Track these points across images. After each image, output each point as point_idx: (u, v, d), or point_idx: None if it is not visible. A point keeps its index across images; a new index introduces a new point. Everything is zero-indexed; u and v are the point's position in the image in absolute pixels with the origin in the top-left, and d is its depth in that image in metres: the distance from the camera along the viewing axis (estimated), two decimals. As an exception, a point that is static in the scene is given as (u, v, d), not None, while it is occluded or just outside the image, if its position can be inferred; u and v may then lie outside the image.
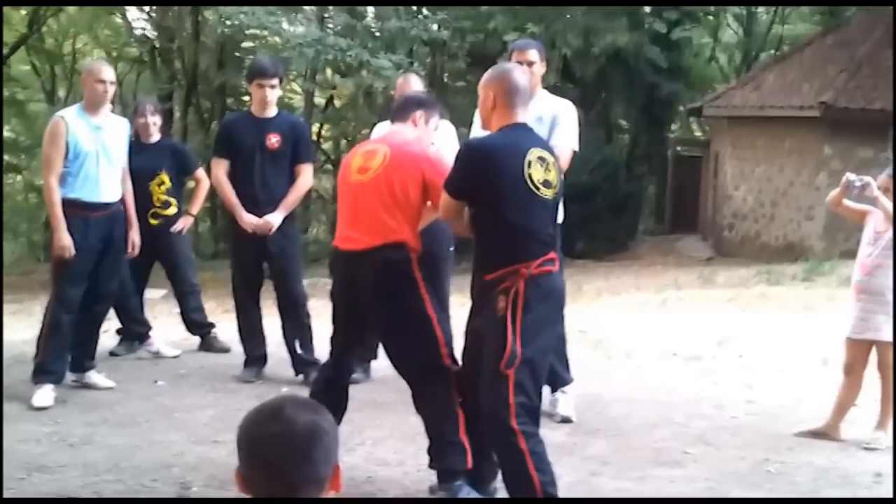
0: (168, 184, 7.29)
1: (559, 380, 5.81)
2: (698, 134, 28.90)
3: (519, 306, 3.91)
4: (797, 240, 17.29)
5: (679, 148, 24.96)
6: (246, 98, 22.05)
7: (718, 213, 20.34)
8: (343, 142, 27.59)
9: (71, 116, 5.96)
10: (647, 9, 21.25)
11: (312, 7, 20.64)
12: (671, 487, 4.76)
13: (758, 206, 18.69)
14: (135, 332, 7.43)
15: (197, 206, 7.82)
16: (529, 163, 3.98)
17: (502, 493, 4.43)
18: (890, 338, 5.40)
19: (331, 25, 19.66)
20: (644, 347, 8.08)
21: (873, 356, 5.58)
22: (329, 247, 4.86)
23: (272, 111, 6.58)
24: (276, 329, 6.69)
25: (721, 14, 26.29)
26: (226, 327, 7.65)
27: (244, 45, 24.45)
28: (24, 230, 29.48)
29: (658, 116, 24.16)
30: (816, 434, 5.61)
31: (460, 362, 4.42)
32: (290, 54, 17.48)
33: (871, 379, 5.63)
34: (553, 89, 6.43)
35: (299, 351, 6.55)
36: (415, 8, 19.54)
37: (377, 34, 19.08)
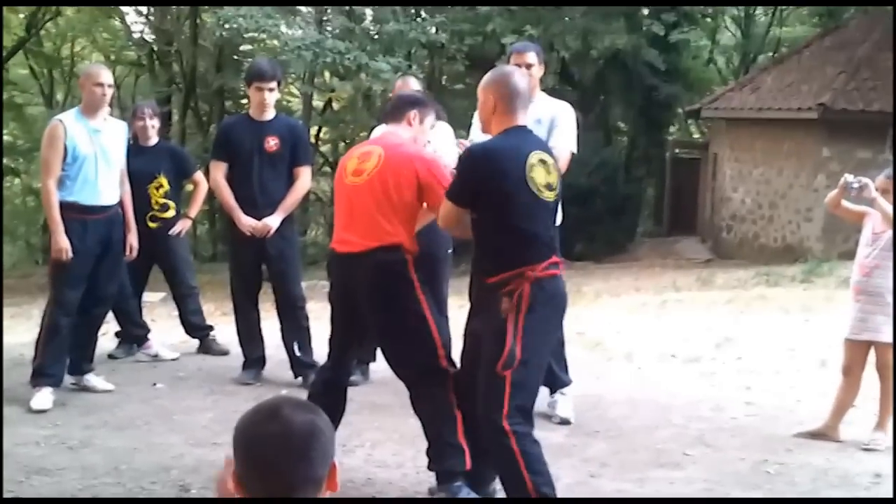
0: (166, 187, 7.29)
1: (558, 381, 5.81)
2: (697, 136, 28.92)
3: (522, 309, 3.92)
4: (796, 241, 17.29)
5: (677, 150, 24.98)
6: (244, 101, 22.09)
7: (717, 215, 20.35)
8: (341, 144, 27.59)
9: (69, 120, 5.95)
10: (646, 11, 21.27)
11: (311, 10, 20.66)
12: (671, 489, 4.76)
13: (756, 208, 18.70)
14: (133, 334, 7.42)
15: (195, 209, 7.81)
16: (531, 166, 3.99)
17: (502, 493, 4.43)
18: (889, 338, 5.40)
19: (329, 28, 19.66)
20: (643, 349, 8.08)
21: (872, 357, 5.58)
22: (327, 249, 4.86)
23: (270, 114, 6.58)
24: (275, 331, 6.69)
25: (719, 16, 26.32)
26: (224, 330, 7.65)
27: (242, 48, 24.46)
28: (22, 233, 29.47)
29: (656, 119, 24.19)
30: (815, 435, 5.62)
31: (459, 364, 4.42)
32: (288, 57, 17.49)
33: (870, 379, 5.63)
34: (551, 92, 6.45)
35: (298, 353, 6.55)
36: (413, 11, 19.55)
37: (375, 37, 19.10)
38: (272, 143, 6.47)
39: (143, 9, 26.15)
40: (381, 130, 6.43)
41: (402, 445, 5.23)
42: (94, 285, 6.10)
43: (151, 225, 7.14)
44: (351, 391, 4.85)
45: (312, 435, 2.02)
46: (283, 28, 18.89)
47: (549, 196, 4.05)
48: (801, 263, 15.19)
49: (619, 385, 6.87)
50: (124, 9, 26.29)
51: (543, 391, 5.33)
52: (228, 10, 17.82)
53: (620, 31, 19.37)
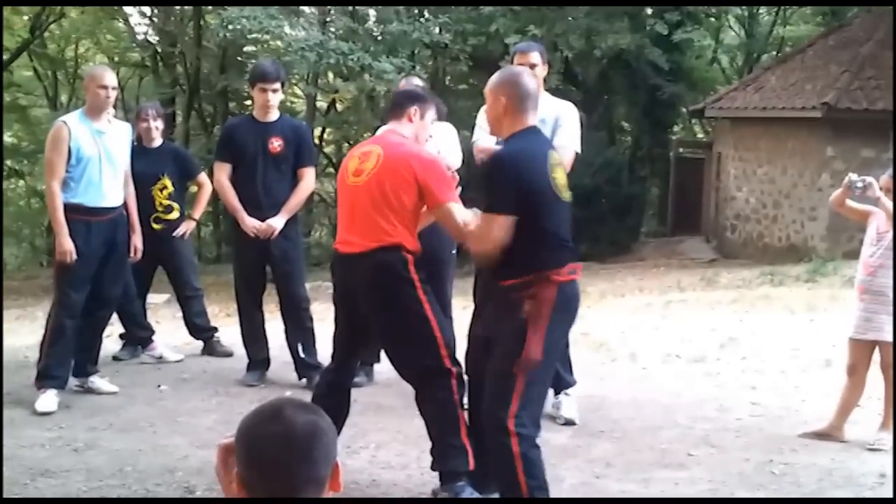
0: (170, 188, 7.29)
1: (562, 382, 5.81)
2: (700, 136, 28.87)
3: (545, 312, 3.90)
4: (800, 241, 17.27)
5: (681, 149, 24.94)
6: (248, 102, 22.10)
7: (721, 215, 20.33)
8: (345, 145, 27.59)
9: (73, 121, 5.96)
10: (649, 10, 21.27)
11: (314, 11, 20.66)
12: (675, 489, 4.76)
13: (760, 207, 18.67)
14: (138, 336, 7.43)
15: (199, 211, 7.82)
16: (553, 167, 4.01)
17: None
18: (892, 338, 5.39)
19: (332, 29, 19.66)
20: (647, 349, 8.07)
21: (877, 356, 5.58)
22: (331, 250, 4.86)
23: (274, 115, 6.59)
24: (279, 332, 6.70)
25: (723, 16, 26.28)
26: (229, 331, 7.66)
27: (246, 49, 24.46)
28: (26, 235, 29.51)
29: (660, 118, 24.16)
30: (820, 435, 5.61)
31: (464, 365, 4.41)
32: (292, 58, 17.49)
33: (875, 379, 5.63)
34: (555, 91, 6.45)
35: (302, 354, 6.55)
36: (416, 11, 19.55)
37: (379, 38, 19.10)
38: (276, 144, 6.47)
39: (147, 10, 26.20)
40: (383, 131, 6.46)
41: (406, 446, 5.23)
42: (99, 287, 6.11)
43: (155, 227, 7.14)
44: (355, 392, 4.85)
45: (315, 435, 2.02)
46: (287, 29, 18.88)
47: (567, 197, 4.07)
48: (805, 263, 15.17)
49: (623, 385, 6.86)
50: (128, 10, 26.32)
51: (548, 392, 5.32)
52: (232, 12, 17.81)
53: (624, 30, 19.36)
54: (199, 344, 7.69)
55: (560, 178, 4.03)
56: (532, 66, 5.60)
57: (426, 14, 19.80)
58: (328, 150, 28.41)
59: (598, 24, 19.16)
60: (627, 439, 5.56)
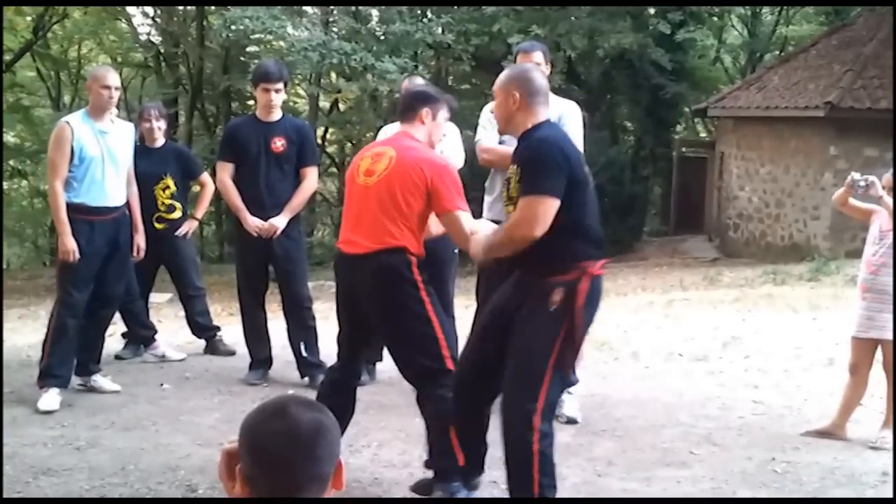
0: (173, 188, 7.30)
1: (565, 381, 5.80)
2: (703, 135, 28.87)
3: (579, 304, 3.86)
4: (803, 240, 17.26)
5: (684, 149, 24.91)
6: (251, 102, 22.11)
7: (724, 214, 20.32)
8: (348, 145, 27.63)
9: (76, 121, 5.96)
10: (652, 10, 21.26)
11: (317, 11, 20.67)
12: (678, 488, 4.76)
13: (763, 207, 18.66)
14: (140, 335, 7.44)
15: (202, 210, 7.82)
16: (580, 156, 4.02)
17: (495, 491, 4.44)
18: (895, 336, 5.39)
19: (335, 29, 19.68)
20: (650, 348, 8.07)
21: (879, 355, 5.57)
22: (334, 250, 4.87)
23: (277, 115, 6.59)
24: (282, 332, 6.70)
25: (725, 15, 26.27)
26: (231, 330, 7.67)
27: (249, 49, 24.48)
28: (29, 235, 29.54)
29: (663, 118, 24.15)
30: (822, 434, 5.61)
31: (466, 361, 4.40)
32: (294, 58, 17.51)
33: (878, 378, 5.62)
34: (558, 91, 6.45)
35: (304, 353, 6.56)
36: (419, 11, 19.55)
37: (381, 38, 19.11)
38: (279, 143, 6.48)
39: (150, 11, 26.22)
40: (388, 131, 6.46)
41: (408, 445, 5.23)
42: (102, 286, 6.11)
43: (158, 226, 7.15)
44: (358, 391, 4.85)
45: (319, 433, 2.02)
46: (290, 29, 18.90)
47: (591, 181, 4.06)
48: (808, 262, 15.17)
49: (625, 384, 6.86)
50: (131, 11, 26.36)
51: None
52: (235, 12, 17.84)
53: (627, 30, 19.36)
54: (202, 343, 7.69)
55: (586, 168, 4.05)
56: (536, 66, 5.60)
57: (429, 14, 19.81)
58: (331, 149, 28.41)
59: (601, 24, 19.16)
60: (629, 438, 5.56)
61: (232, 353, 7.44)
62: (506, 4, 18.79)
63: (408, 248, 4.36)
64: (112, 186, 6.03)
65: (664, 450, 5.35)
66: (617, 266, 18.03)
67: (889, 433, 5.44)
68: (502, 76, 4.19)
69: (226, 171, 6.57)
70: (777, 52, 26.41)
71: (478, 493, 4.48)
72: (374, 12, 20.52)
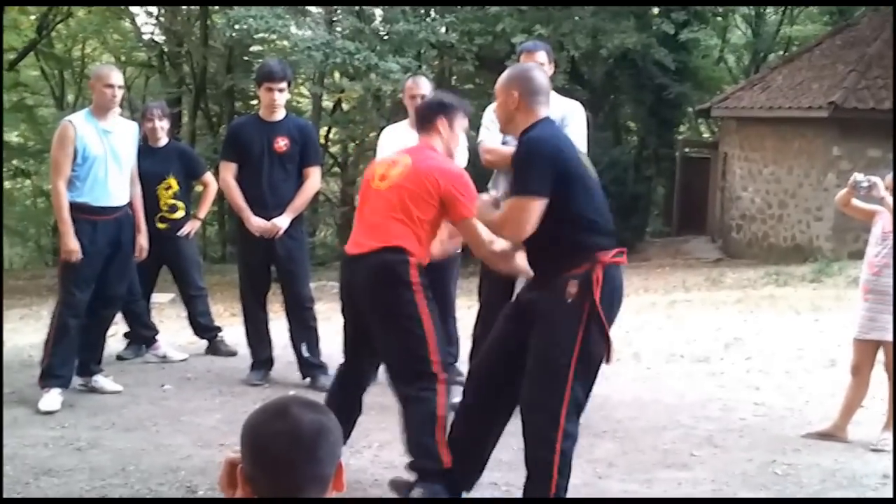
0: (176, 187, 7.30)
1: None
2: (707, 135, 28.86)
3: (596, 295, 3.84)
4: (805, 241, 17.24)
5: (687, 149, 24.91)
6: (254, 102, 22.11)
7: (726, 215, 20.30)
8: (351, 145, 27.62)
9: (79, 121, 5.97)
10: (655, 10, 21.24)
11: (320, 11, 20.68)
12: (678, 489, 4.75)
13: (766, 207, 18.64)
14: (142, 335, 7.44)
15: (205, 210, 7.83)
16: (579, 155, 4.02)
17: (496, 492, 4.44)
18: (898, 338, 5.39)
19: (339, 29, 19.68)
20: (651, 349, 8.06)
21: (881, 356, 5.57)
22: (336, 250, 4.88)
23: (280, 114, 6.59)
24: (283, 332, 6.70)
25: (729, 15, 26.25)
26: (233, 331, 7.67)
27: (252, 48, 24.49)
28: (32, 234, 29.57)
29: (666, 118, 24.13)
30: (824, 435, 5.60)
31: (480, 364, 4.38)
32: (298, 58, 17.52)
33: (879, 379, 5.62)
34: (561, 91, 6.43)
35: (306, 354, 6.56)
36: (423, 11, 19.55)
37: (385, 37, 19.11)
38: (282, 143, 6.48)
39: (154, 10, 26.24)
40: (391, 131, 6.48)
41: (409, 446, 5.22)
42: (104, 286, 6.12)
43: (160, 226, 7.15)
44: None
45: (320, 434, 2.03)
46: (293, 29, 18.91)
47: (596, 176, 4.05)
48: (810, 263, 15.16)
49: (626, 385, 6.85)
50: (134, 10, 26.38)
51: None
52: (238, 11, 17.84)
53: (630, 30, 19.33)
54: (204, 343, 7.70)
55: (589, 166, 4.04)
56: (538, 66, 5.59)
57: (432, 14, 19.79)
58: (334, 149, 28.41)
59: (605, 24, 19.14)
60: (630, 439, 5.55)
61: (233, 354, 7.45)
62: (509, 4, 18.77)
63: (407, 250, 4.36)
64: (115, 186, 6.04)
65: (665, 451, 5.35)
66: (620, 266, 18.02)
67: (890, 435, 5.43)
68: (503, 76, 4.19)
69: (229, 170, 6.57)
70: (781, 53, 26.40)
71: (478, 494, 4.47)
72: (378, 12, 20.52)
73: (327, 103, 25.73)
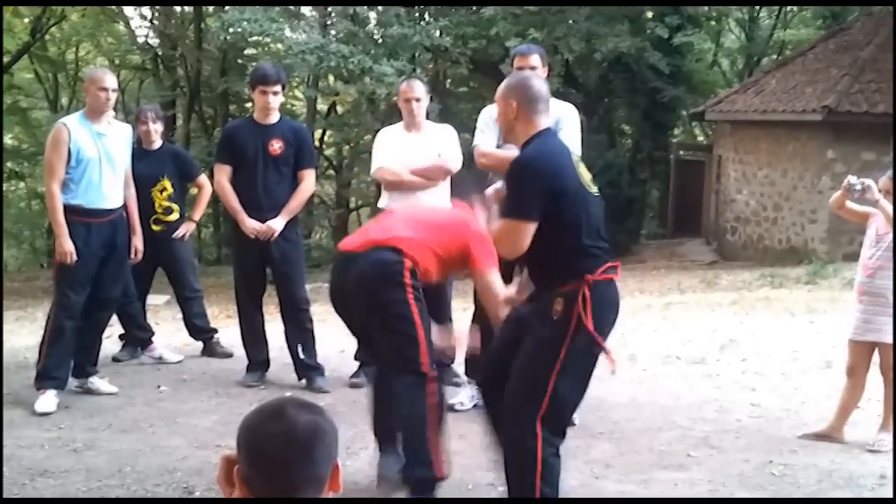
0: (170, 190, 7.30)
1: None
2: (701, 138, 28.88)
3: (581, 312, 3.83)
4: (800, 243, 17.27)
5: (682, 152, 24.96)
6: (249, 104, 22.10)
7: (721, 217, 20.33)
8: (345, 148, 27.62)
9: (73, 123, 5.96)
10: (650, 14, 21.27)
11: (315, 14, 20.68)
12: (675, 490, 4.76)
13: (760, 210, 18.68)
14: (138, 337, 7.43)
15: (199, 212, 7.81)
16: (576, 163, 4.00)
17: (493, 493, 4.43)
18: (892, 339, 5.39)
19: (333, 32, 19.68)
20: (648, 351, 8.07)
21: (877, 358, 5.58)
22: (332, 252, 4.89)
23: (275, 117, 6.59)
24: (279, 334, 6.70)
25: (723, 19, 26.30)
26: (228, 333, 7.66)
27: (247, 52, 24.50)
28: (27, 237, 29.54)
29: (661, 121, 24.16)
30: (820, 436, 5.61)
31: (485, 368, 4.39)
32: (292, 61, 17.52)
33: (875, 381, 5.63)
34: (556, 94, 6.43)
35: (301, 355, 6.56)
36: (417, 14, 19.56)
37: (379, 41, 19.11)
38: (276, 146, 6.48)
39: (148, 13, 26.23)
40: (385, 134, 6.50)
41: (405, 447, 5.22)
42: (99, 288, 6.11)
43: (155, 228, 7.15)
44: (355, 393, 4.85)
45: (316, 435, 2.02)
46: (288, 32, 18.92)
47: (595, 191, 4.05)
48: (805, 265, 15.19)
49: (623, 387, 6.84)
50: (129, 13, 26.36)
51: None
52: (233, 14, 17.85)
53: (624, 33, 19.36)
54: (199, 345, 7.69)
55: (585, 174, 4.03)
56: (532, 69, 5.60)
57: (427, 17, 19.81)
58: (328, 152, 28.40)
59: (599, 28, 19.16)
60: (627, 440, 5.55)
61: (229, 356, 7.44)
62: (504, 4, 18.78)
63: (406, 252, 4.36)
64: (109, 188, 6.03)
65: (661, 452, 5.35)
66: (614, 269, 18.04)
67: (887, 436, 5.44)
68: (501, 86, 4.14)
69: (223, 173, 6.57)
70: (774, 56, 26.45)
71: (477, 494, 4.47)
72: (372, 15, 20.53)
73: (322, 106, 25.72)
